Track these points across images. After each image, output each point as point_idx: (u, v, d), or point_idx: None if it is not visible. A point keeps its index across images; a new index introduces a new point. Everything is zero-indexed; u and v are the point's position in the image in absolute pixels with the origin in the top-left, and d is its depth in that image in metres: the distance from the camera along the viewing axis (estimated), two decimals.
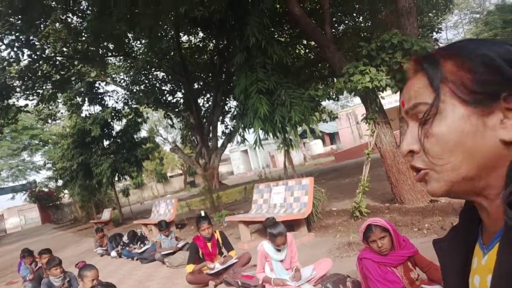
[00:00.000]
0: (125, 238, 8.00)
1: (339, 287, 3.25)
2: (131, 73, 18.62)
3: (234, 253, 4.99)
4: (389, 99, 16.54)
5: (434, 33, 14.86)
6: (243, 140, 8.59)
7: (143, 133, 23.08)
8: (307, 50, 16.23)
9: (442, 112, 0.57)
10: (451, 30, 35.07)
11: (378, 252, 2.76)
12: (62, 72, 14.60)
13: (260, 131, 7.79)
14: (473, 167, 0.56)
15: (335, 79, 12.47)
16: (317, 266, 3.81)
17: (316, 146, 34.02)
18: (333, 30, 11.16)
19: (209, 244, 4.96)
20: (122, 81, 19.96)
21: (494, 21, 24.24)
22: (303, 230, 6.03)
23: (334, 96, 10.49)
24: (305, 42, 15.17)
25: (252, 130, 8.04)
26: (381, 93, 6.45)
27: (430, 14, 16.29)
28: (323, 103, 16.26)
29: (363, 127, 26.79)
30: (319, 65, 15.56)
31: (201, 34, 16.98)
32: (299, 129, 8.46)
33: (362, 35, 13.18)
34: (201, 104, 19.56)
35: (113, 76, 19.67)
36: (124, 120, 17.72)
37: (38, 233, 23.95)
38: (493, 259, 0.53)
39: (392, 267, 2.75)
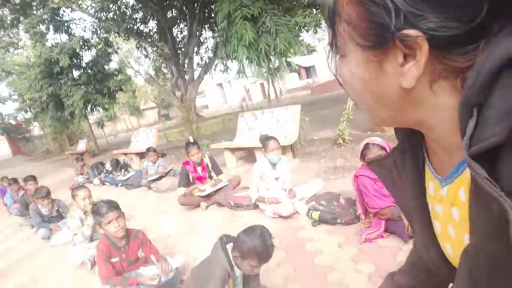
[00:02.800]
0: (108, 166, 8.01)
1: (333, 203, 3.43)
2: None
3: (224, 176, 5.11)
4: None
5: None
6: (226, 68, 8.39)
7: (114, 65, 22.07)
8: None
9: (345, 53, 0.51)
10: None
11: None
12: None
13: (244, 60, 7.61)
14: (389, 109, 0.51)
15: (315, 8, 12.09)
16: (309, 186, 3.99)
17: (292, 80, 33.86)
18: None
19: (199, 169, 5.03)
20: (90, 7, 18.55)
21: None
22: (288, 156, 6.17)
23: (321, 24, 10.21)
24: None
25: (235, 59, 7.84)
26: None
27: None
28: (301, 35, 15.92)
29: None
30: None
31: None
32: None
33: None
34: (175, 34, 18.68)
35: (79, 2, 18.21)
36: (94, 50, 16.98)
37: (11, 165, 23.47)
38: (455, 192, 0.52)
39: None
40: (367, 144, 2.95)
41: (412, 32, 0.42)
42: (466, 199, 0.49)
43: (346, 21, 0.48)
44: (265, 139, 4.14)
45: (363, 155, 3.00)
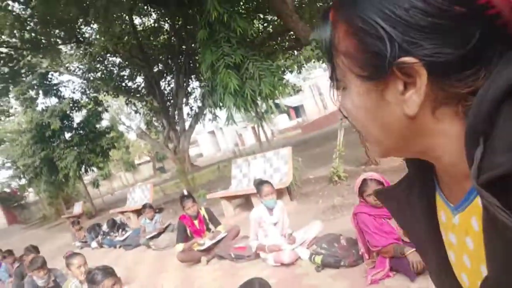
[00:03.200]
0: (104, 227, 7.85)
1: (334, 245, 3.35)
2: (85, 61, 17.83)
3: (222, 227, 5.01)
4: None
5: None
6: (215, 117, 8.51)
7: (105, 123, 22.29)
8: (265, 24, 16.10)
9: (346, 85, 0.52)
10: None
11: (374, 205, 2.84)
12: (10, 65, 13.69)
13: (232, 107, 7.73)
14: (395, 139, 0.51)
15: (296, 50, 12.45)
16: (309, 229, 3.91)
17: (282, 121, 34.29)
18: None
19: (196, 222, 4.95)
20: (77, 69, 19.06)
21: None
22: (286, 199, 6.12)
23: (303, 64, 10.46)
24: (262, 16, 15.00)
25: (222, 107, 7.96)
26: None
27: None
28: (286, 77, 16.34)
29: (327, 98, 27.26)
30: (279, 38, 15.54)
31: (154, 16, 16.49)
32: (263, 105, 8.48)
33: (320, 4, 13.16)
34: (162, 88, 19.10)
35: (67, 65, 18.73)
36: (84, 111, 17.24)
37: (7, 235, 22.86)
38: (467, 221, 0.51)
39: (387, 219, 2.86)
40: (364, 179, 2.92)
41: (408, 59, 0.43)
42: (479, 228, 0.48)
43: (343, 54, 0.49)
44: (258, 184, 4.11)
45: (361, 192, 2.96)
